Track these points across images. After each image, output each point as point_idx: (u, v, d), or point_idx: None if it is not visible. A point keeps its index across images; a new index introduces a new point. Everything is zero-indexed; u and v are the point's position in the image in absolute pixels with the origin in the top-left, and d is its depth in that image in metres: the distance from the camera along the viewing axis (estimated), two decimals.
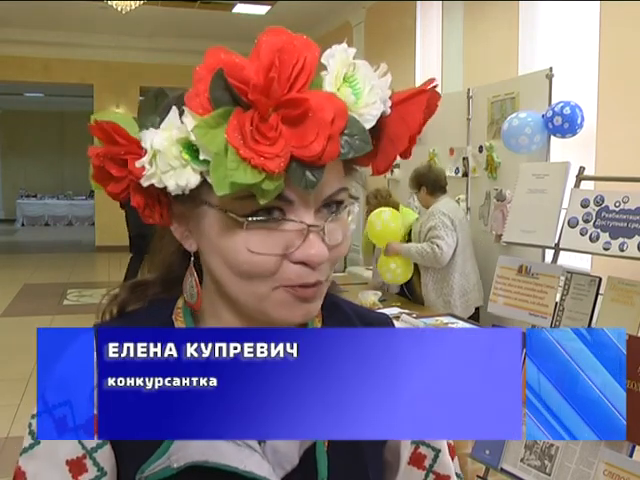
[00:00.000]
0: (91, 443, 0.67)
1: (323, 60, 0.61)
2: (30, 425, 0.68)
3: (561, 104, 3.49)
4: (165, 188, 0.60)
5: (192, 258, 0.68)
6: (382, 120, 0.63)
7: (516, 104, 3.93)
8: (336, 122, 0.58)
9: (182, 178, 0.59)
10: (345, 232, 0.66)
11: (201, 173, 0.59)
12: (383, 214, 4.01)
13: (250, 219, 0.60)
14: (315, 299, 0.65)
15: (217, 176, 0.56)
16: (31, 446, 0.67)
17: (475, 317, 3.86)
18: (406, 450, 0.76)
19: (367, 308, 0.82)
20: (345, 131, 0.59)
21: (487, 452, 1.90)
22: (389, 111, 0.63)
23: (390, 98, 0.63)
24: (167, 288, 0.76)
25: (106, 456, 0.67)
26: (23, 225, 15.96)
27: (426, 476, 0.76)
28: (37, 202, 16.31)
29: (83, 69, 10.63)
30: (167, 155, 0.59)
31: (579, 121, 3.50)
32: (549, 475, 1.74)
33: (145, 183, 0.61)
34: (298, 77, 0.58)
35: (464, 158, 4.46)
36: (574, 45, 4.26)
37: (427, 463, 0.76)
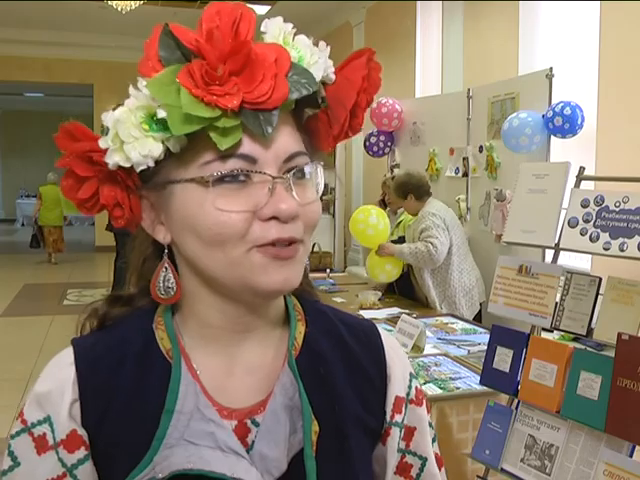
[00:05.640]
0: (71, 460, 0.65)
1: (262, 28, 0.63)
2: (9, 446, 0.66)
3: (561, 104, 3.49)
4: (131, 170, 0.60)
5: (166, 251, 0.67)
6: (329, 88, 0.65)
7: (516, 104, 3.92)
8: (279, 62, 0.60)
9: (144, 147, 0.59)
10: (314, 193, 0.65)
11: (163, 142, 0.59)
12: (370, 218, 3.95)
13: (216, 174, 0.60)
14: (293, 262, 0.63)
15: (173, 118, 0.57)
16: (11, 468, 0.66)
17: (477, 316, 3.86)
18: (392, 459, 0.74)
19: (353, 315, 0.79)
20: (290, 73, 0.61)
21: (487, 452, 1.89)
22: (333, 77, 0.65)
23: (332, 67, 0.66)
24: (147, 295, 0.72)
25: (87, 472, 0.66)
26: (23, 225, 15.95)
27: None
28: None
29: (83, 69, 10.64)
30: (127, 124, 0.59)
31: (579, 121, 3.50)
32: (549, 475, 1.73)
33: (110, 160, 0.60)
34: (239, 24, 0.60)
35: (464, 158, 4.45)
36: (574, 45, 4.26)
37: (414, 472, 0.75)
